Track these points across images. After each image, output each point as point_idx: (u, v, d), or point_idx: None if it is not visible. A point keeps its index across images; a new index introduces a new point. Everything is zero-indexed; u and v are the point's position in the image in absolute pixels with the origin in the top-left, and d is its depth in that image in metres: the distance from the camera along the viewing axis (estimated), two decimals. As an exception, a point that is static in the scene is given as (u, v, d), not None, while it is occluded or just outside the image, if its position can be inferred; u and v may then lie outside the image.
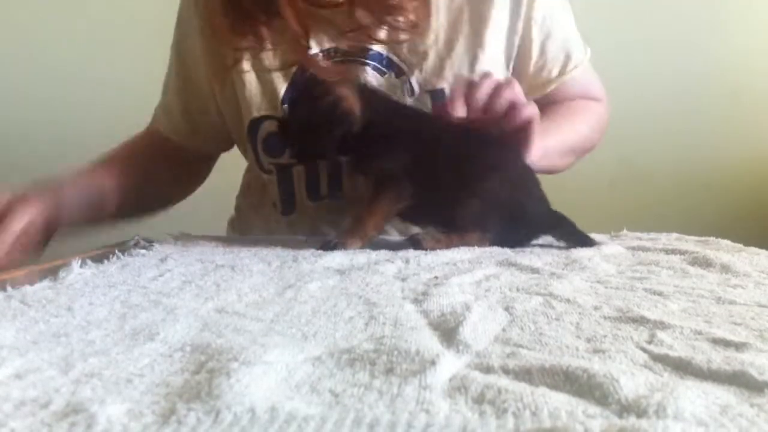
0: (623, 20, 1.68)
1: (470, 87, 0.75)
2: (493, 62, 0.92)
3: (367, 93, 0.78)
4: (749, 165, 1.72)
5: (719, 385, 0.27)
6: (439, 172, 0.74)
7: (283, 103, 0.89)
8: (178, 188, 1.08)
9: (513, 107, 0.75)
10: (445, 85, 0.89)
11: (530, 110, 0.76)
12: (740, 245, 0.72)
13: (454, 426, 0.23)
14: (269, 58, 0.90)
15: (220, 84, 0.95)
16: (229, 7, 0.87)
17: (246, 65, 0.91)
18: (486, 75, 0.77)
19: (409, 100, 0.89)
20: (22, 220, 0.73)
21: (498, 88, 0.75)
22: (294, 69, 0.89)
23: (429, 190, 0.73)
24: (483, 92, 0.75)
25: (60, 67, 1.75)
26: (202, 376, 0.28)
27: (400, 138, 0.75)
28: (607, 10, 1.64)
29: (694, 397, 0.25)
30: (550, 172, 0.92)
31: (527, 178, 0.78)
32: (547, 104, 0.95)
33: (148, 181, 0.97)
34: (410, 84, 0.90)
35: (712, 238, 0.78)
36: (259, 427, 0.23)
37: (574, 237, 0.76)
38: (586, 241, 0.75)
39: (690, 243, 0.75)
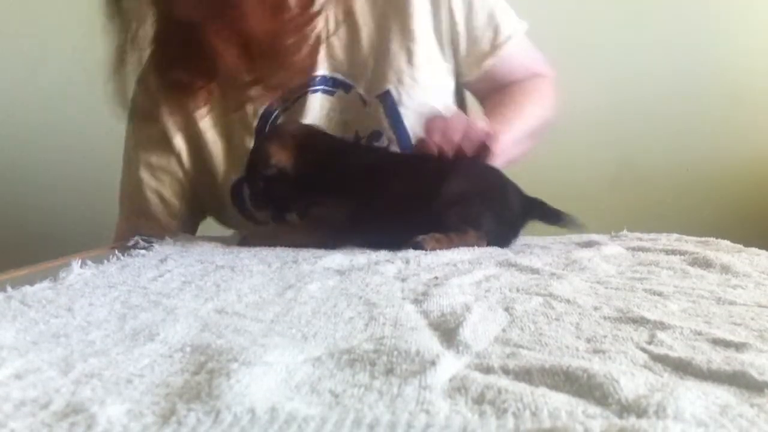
0: (623, 20, 1.68)
1: (444, 127, 0.79)
2: (429, 52, 0.95)
3: (310, 140, 0.82)
4: (749, 165, 1.72)
5: (719, 385, 0.27)
6: (399, 199, 0.76)
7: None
8: None
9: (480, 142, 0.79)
10: (390, 86, 0.93)
11: (493, 141, 0.80)
12: (740, 246, 0.72)
13: (454, 426, 0.23)
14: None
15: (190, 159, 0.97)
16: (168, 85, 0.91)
17: (210, 132, 0.95)
18: (458, 115, 0.84)
19: (363, 110, 0.93)
20: None
21: (469, 128, 0.79)
22: (255, 123, 0.93)
23: (392, 218, 0.76)
24: (456, 133, 0.78)
25: (61, 67, 1.76)
26: (202, 377, 0.28)
27: (342, 182, 0.79)
28: (606, 10, 1.64)
29: (694, 398, 0.25)
30: (509, 164, 0.93)
31: (493, 173, 0.80)
32: (494, 90, 0.98)
33: None
34: (360, 95, 0.93)
35: (712, 239, 0.78)
36: (259, 428, 0.23)
37: (550, 214, 0.80)
38: (559, 216, 0.79)
39: (690, 243, 0.75)
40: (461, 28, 0.96)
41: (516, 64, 1.00)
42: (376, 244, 0.73)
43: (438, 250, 0.70)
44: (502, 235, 0.76)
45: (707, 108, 1.72)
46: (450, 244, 0.72)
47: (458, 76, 1.00)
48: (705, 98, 1.72)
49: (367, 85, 0.93)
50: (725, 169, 1.72)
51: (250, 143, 0.91)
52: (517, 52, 0.99)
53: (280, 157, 0.79)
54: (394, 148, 0.93)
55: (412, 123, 0.92)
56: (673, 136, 1.72)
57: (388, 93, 0.93)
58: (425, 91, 0.94)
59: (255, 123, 0.93)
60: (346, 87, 0.94)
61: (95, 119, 1.75)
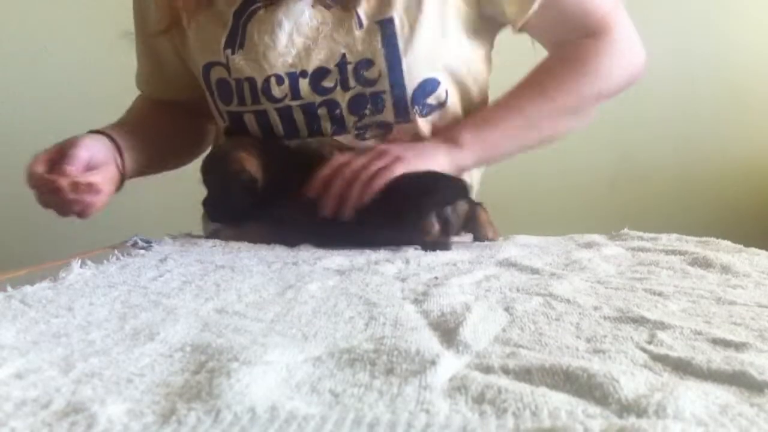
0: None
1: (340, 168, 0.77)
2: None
3: (268, 147, 0.84)
4: (749, 165, 1.72)
5: (719, 385, 0.27)
6: None
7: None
8: (188, 144, 1.10)
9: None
10: (395, 14, 0.83)
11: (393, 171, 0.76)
12: (740, 246, 0.72)
13: (454, 426, 0.23)
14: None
15: (176, 36, 0.95)
16: None
17: (185, 19, 0.91)
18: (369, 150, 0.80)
19: (357, 33, 0.84)
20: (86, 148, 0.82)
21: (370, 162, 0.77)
22: (231, 15, 0.87)
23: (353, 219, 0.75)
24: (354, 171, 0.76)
25: (60, 66, 1.76)
26: (203, 376, 0.28)
27: (300, 186, 0.78)
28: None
29: (694, 397, 0.25)
30: (521, 150, 0.90)
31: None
32: (556, 34, 0.89)
33: (163, 138, 1.01)
34: (358, 16, 0.84)
35: (712, 239, 0.78)
36: (260, 427, 0.23)
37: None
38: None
39: (690, 244, 0.75)
40: None
41: (560, 17, 0.87)
42: (345, 245, 0.73)
43: (438, 251, 0.70)
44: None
45: (707, 108, 1.72)
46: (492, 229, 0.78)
47: (503, 25, 0.92)
48: (705, 98, 1.72)
49: (369, 7, 0.84)
50: (725, 169, 1.72)
51: (223, 36, 0.87)
52: (555, 5, 0.86)
53: (251, 166, 0.80)
54: (383, 83, 0.85)
55: (409, 63, 0.84)
56: (672, 136, 1.72)
57: (390, 21, 0.83)
58: (433, 33, 0.85)
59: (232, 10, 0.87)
60: (345, 5, 0.84)
61: (95, 119, 1.75)
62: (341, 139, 0.87)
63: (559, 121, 0.90)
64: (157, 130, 1.01)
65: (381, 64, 0.84)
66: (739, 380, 0.28)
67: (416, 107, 0.87)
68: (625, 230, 0.87)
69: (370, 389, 0.27)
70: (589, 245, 0.77)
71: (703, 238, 0.79)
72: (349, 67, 0.85)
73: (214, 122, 1.06)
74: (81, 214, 0.81)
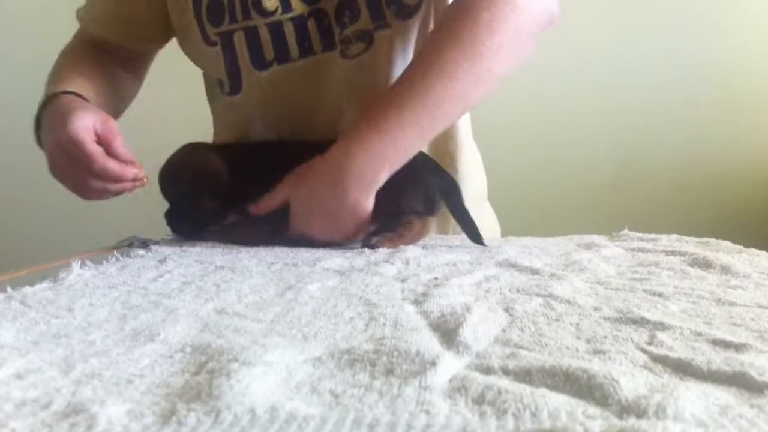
0: (622, 22, 1.68)
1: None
2: None
3: (232, 149, 0.83)
4: (749, 166, 1.72)
5: (719, 386, 0.27)
6: None
7: None
8: (131, 86, 1.05)
9: None
10: None
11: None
12: (740, 246, 0.72)
13: (454, 427, 0.23)
14: None
15: None
16: None
17: None
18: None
19: None
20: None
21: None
22: None
23: None
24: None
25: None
26: (203, 377, 0.29)
27: (265, 186, 0.76)
28: (606, 12, 1.65)
29: (694, 398, 0.25)
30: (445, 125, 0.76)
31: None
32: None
33: (110, 84, 0.96)
34: None
35: (712, 240, 0.78)
36: (260, 428, 0.23)
37: (462, 216, 0.75)
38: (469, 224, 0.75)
39: (690, 244, 0.75)
40: None
41: None
42: (311, 244, 0.73)
43: (434, 250, 0.70)
44: (435, 209, 0.75)
45: (707, 108, 1.72)
46: (402, 241, 0.72)
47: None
48: (705, 99, 1.72)
49: None
50: (725, 169, 1.72)
51: None
52: None
53: (220, 167, 0.79)
54: (363, 23, 0.83)
55: None
56: (672, 137, 1.72)
57: None
58: None
59: None
60: None
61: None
62: (329, 55, 0.84)
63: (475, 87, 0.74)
64: (110, 87, 0.95)
65: (361, 4, 0.83)
66: (739, 381, 0.28)
67: (391, 6, 0.83)
68: (625, 231, 0.87)
69: (370, 390, 0.27)
70: (589, 246, 0.77)
71: (703, 239, 0.79)
72: (327, 10, 0.83)
73: (138, 83, 1.04)
74: (100, 197, 0.80)
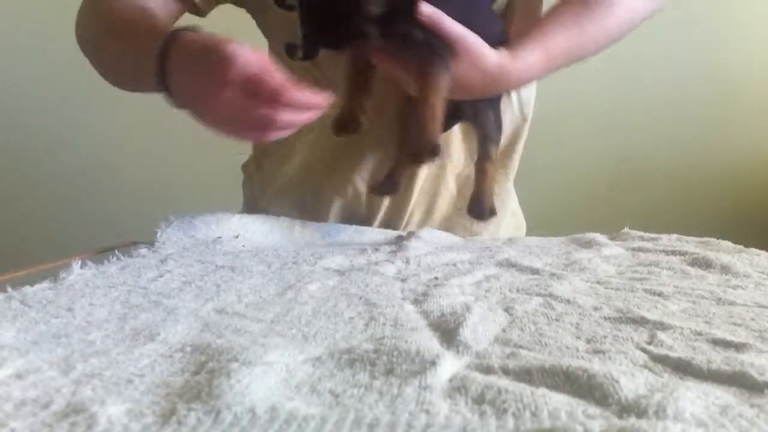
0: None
1: None
2: None
3: None
4: (749, 165, 1.72)
5: (719, 385, 0.27)
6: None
7: None
8: None
9: None
10: None
11: None
12: (740, 246, 0.72)
13: (454, 426, 0.23)
14: None
15: None
16: None
17: None
18: None
19: None
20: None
21: None
22: None
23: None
24: None
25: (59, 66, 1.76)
26: (203, 377, 0.28)
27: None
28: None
29: (694, 398, 0.25)
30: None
31: None
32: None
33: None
34: None
35: (712, 239, 0.77)
36: (260, 427, 0.23)
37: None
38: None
39: (690, 244, 0.75)
40: None
41: None
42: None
43: (435, 240, 0.69)
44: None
45: (707, 108, 1.72)
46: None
47: None
48: (705, 99, 1.72)
49: None
50: (725, 169, 1.72)
51: None
52: None
53: None
54: None
55: None
56: (672, 137, 1.72)
57: None
58: None
59: None
60: None
61: (95, 119, 1.76)
62: None
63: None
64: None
65: None
66: (739, 381, 0.27)
67: None
68: (626, 230, 0.87)
69: (370, 390, 0.27)
70: (589, 245, 0.77)
71: (704, 239, 0.79)
72: None
73: None
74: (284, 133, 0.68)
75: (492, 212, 0.70)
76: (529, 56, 0.77)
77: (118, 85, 0.85)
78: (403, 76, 0.75)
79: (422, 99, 0.67)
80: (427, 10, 0.67)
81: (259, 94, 0.62)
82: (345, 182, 0.92)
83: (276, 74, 0.62)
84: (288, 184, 0.96)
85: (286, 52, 0.68)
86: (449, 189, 0.93)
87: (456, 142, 0.91)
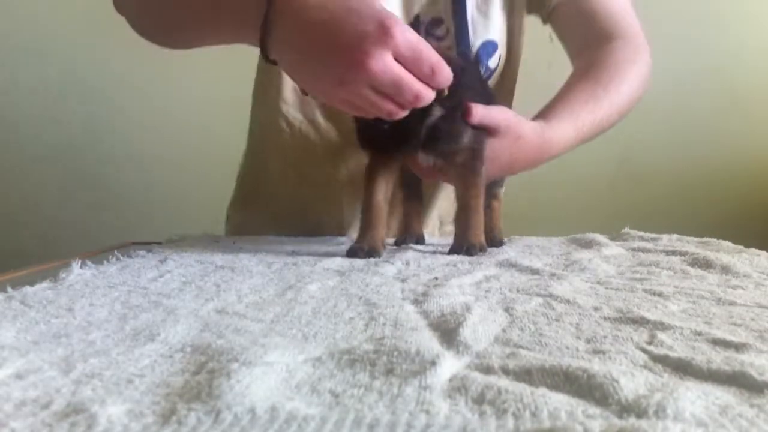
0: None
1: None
2: None
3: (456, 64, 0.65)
4: (749, 165, 1.72)
5: (719, 385, 0.27)
6: None
7: None
8: None
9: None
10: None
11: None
12: (741, 246, 0.72)
13: (454, 426, 0.23)
14: None
15: None
16: None
17: None
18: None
19: None
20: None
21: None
22: None
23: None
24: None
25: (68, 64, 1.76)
26: (203, 377, 0.29)
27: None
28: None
29: (693, 398, 0.25)
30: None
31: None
32: (580, 21, 0.90)
33: None
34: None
35: (712, 239, 0.78)
36: (260, 428, 0.23)
37: None
38: None
39: (690, 244, 0.75)
40: None
41: (596, 5, 0.90)
42: None
43: (438, 249, 0.70)
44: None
45: (707, 108, 1.72)
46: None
47: (540, 8, 0.93)
48: (705, 98, 1.72)
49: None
50: (725, 169, 1.72)
51: None
52: None
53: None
54: (449, 40, 0.87)
55: (475, 23, 0.87)
56: (672, 137, 1.72)
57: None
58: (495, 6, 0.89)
59: None
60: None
61: (96, 120, 1.76)
62: None
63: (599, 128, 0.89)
64: None
65: (449, 20, 0.87)
66: (739, 381, 0.27)
67: (481, 66, 0.89)
68: (626, 230, 0.87)
69: (370, 390, 0.27)
70: (589, 245, 0.77)
71: (704, 239, 0.79)
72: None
73: None
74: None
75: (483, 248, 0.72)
76: (563, 125, 0.81)
77: (158, 32, 0.80)
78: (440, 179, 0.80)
79: (474, 207, 0.71)
80: (476, 112, 0.69)
81: (419, 63, 0.57)
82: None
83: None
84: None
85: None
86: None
87: None
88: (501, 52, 0.92)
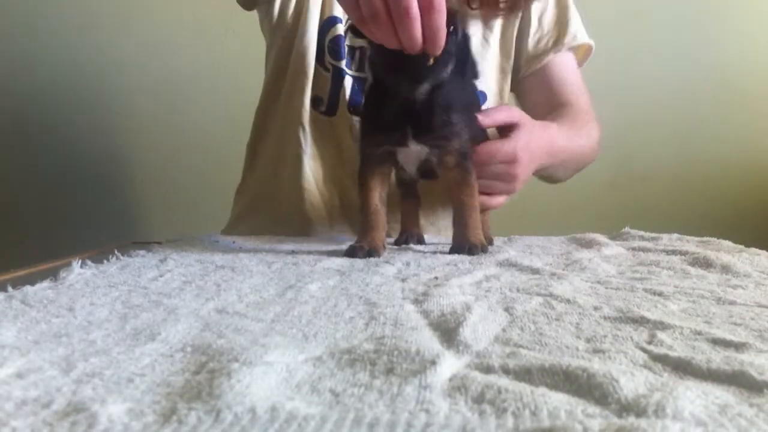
0: (622, 22, 1.68)
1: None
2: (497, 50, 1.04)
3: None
4: (749, 165, 1.72)
5: (719, 385, 0.27)
6: None
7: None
8: None
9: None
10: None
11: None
12: (741, 246, 0.72)
13: (454, 425, 0.23)
14: None
15: None
16: None
17: None
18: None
19: None
20: None
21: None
22: None
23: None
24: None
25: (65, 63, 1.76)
26: (203, 376, 0.29)
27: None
28: (605, 12, 1.64)
29: (693, 397, 0.25)
30: (550, 177, 1.00)
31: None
32: (543, 92, 1.04)
33: None
34: None
35: (712, 239, 0.78)
36: (260, 427, 0.23)
37: None
38: None
39: (691, 244, 0.75)
40: (533, 23, 1.05)
41: (572, 72, 1.06)
42: None
43: (438, 250, 0.70)
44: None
45: (707, 108, 1.72)
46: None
47: (514, 72, 1.06)
48: (705, 99, 1.72)
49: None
50: (726, 169, 1.72)
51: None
52: (574, 66, 1.07)
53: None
54: None
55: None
56: (672, 137, 1.72)
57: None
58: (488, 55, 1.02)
59: None
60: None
61: (95, 120, 1.76)
62: None
63: (571, 168, 1.04)
64: None
65: None
66: (739, 380, 0.28)
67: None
68: (626, 229, 0.87)
69: (370, 389, 0.27)
70: (589, 244, 0.77)
71: (704, 238, 0.79)
72: None
73: None
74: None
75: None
76: (554, 125, 0.90)
77: None
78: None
79: (470, 205, 0.73)
80: (487, 114, 0.80)
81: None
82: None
83: None
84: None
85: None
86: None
87: None
88: (491, 103, 1.03)
